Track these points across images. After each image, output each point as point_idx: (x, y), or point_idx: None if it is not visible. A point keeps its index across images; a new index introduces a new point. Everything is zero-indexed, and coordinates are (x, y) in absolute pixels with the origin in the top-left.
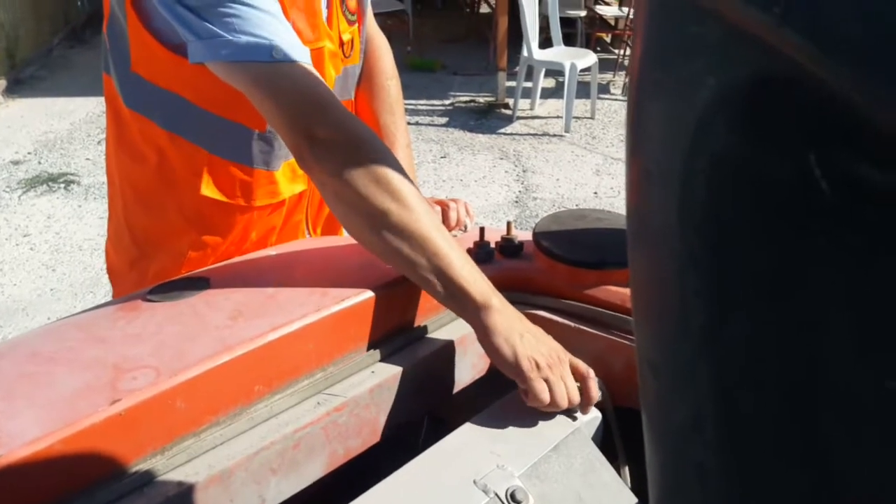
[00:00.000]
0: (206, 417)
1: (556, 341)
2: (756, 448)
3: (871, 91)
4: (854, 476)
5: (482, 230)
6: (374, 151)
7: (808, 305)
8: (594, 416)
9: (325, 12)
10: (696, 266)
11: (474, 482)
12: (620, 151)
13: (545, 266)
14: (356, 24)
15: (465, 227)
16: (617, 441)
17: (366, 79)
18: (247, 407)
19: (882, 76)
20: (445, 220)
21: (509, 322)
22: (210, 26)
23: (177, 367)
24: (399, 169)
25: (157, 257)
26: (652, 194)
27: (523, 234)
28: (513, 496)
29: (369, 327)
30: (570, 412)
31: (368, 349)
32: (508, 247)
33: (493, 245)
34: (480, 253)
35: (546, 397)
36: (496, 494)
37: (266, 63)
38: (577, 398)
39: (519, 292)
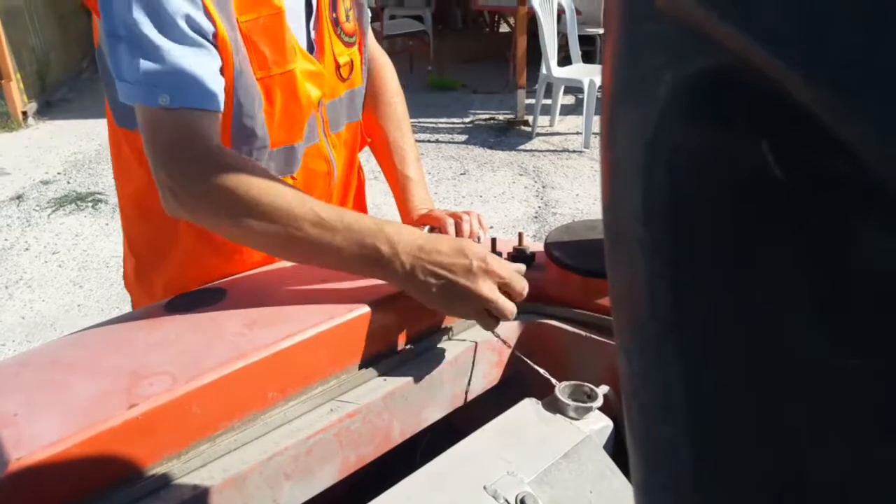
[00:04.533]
0: (221, 423)
1: (453, 241)
2: (722, 426)
3: (799, 84)
4: (817, 453)
5: (494, 241)
6: (248, 188)
7: (768, 287)
8: (605, 423)
9: (309, 35)
10: (661, 253)
11: (484, 488)
12: None
13: (556, 276)
14: (355, 46)
15: (479, 239)
16: None
17: (372, 98)
18: (261, 413)
19: (808, 69)
20: (459, 231)
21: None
22: (120, 64)
23: (193, 373)
24: (268, 177)
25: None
26: (620, 186)
27: (535, 245)
28: (522, 502)
29: (382, 336)
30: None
31: (381, 358)
32: (520, 257)
33: (505, 255)
34: None
35: (511, 306)
36: (506, 500)
37: (151, 108)
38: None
39: (531, 302)
